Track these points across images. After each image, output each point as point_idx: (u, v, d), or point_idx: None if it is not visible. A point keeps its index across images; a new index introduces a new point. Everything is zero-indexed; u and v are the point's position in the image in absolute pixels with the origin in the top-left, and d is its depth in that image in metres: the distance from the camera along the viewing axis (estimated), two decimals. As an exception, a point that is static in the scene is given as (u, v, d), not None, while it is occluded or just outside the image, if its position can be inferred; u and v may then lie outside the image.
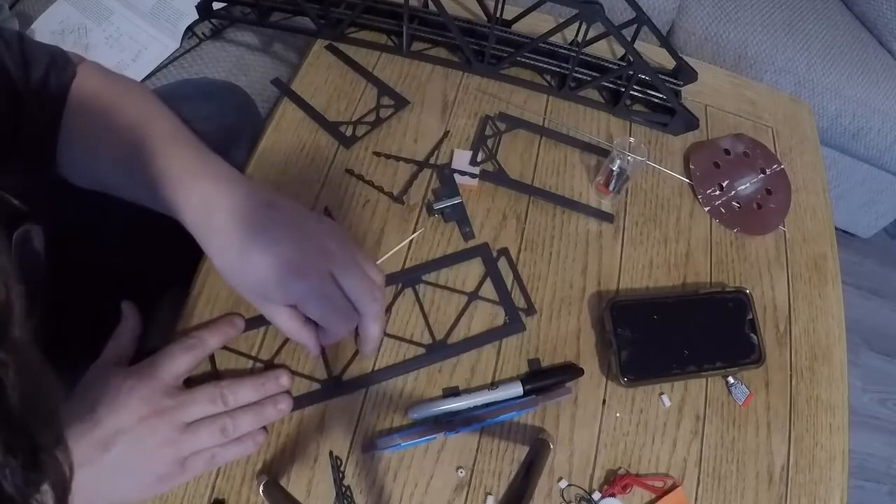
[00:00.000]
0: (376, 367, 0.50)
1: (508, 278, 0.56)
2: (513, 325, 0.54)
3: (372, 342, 0.46)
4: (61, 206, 0.52)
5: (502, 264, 0.57)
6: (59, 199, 0.51)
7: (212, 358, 0.49)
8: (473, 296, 0.55)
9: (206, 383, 0.45)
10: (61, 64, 0.47)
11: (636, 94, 0.67)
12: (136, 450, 0.41)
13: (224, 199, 0.42)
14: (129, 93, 0.49)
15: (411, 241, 0.56)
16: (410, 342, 0.52)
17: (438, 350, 0.51)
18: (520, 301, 0.55)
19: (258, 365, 0.49)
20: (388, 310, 0.53)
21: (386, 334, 0.52)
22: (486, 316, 0.54)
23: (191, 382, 0.46)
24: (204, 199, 0.42)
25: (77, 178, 0.49)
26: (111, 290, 0.62)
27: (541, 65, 0.67)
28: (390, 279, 0.54)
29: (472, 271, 0.56)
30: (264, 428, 0.46)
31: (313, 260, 0.42)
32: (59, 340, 0.57)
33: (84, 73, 0.48)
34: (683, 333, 0.53)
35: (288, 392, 0.48)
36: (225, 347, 0.50)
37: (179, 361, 0.44)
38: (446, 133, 0.64)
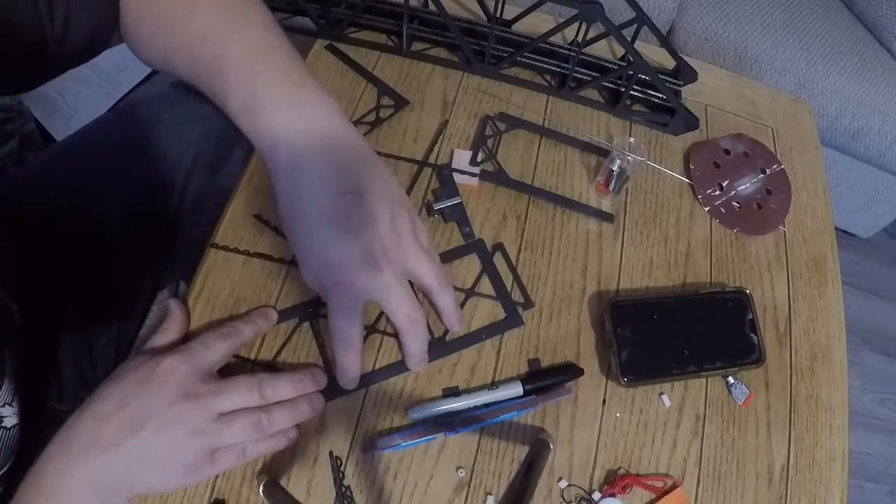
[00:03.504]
0: (376, 367, 0.50)
1: (507, 276, 0.56)
2: (511, 319, 0.54)
3: (457, 314, 0.48)
4: (57, 201, 0.52)
5: (499, 260, 0.57)
6: (57, 196, 0.51)
7: None
8: (471, 292, 0.55)
9: (243, 374, 0.44)
10: None
11: (636, 94, 0.67)
12: (165, 436, 0.39)
13: (321, 122, 0.42)
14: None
15: (411, 241, 0.56)
16: (410, 342, 0.52)
17: (437, 347, 0.51)
18: (517, 296, 0.55)
19: (258, 367, 0.49)
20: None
21: (385, 333, 0.52)
22: (484, 312, 0.54)
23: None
24: (291, 143, 0.42)
25: (149, 57, 0.48)
26: (109, 289, 0.62)
27: (541, 65, 0.67)
28: None
29: (468, 268, 0.56)
30: (297, 426, 0.46)
31: (395, 255, 0.43)
32: (55, 339, 0.57)
33: None
34: (683, 333, 0.53)
35: (322, 391, 0.48)
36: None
37: (215, 349, 0.44)
38: (445, 122, 0.64)
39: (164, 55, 0.46)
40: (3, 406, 0.45)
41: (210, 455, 0.41)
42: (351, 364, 0.46)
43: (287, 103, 0.43)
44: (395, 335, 0.52)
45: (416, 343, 0.46)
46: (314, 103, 0.44)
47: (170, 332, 0.45)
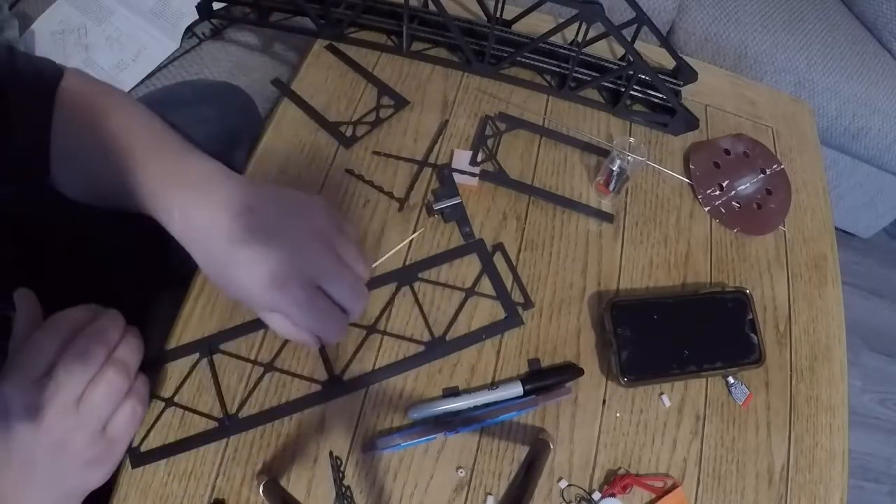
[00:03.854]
0: (376, 367, 0.50)
1: (507, 276, 0.56)
2: (511, 319, 0.54)
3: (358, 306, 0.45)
4: (56, 203, 0.52)
5: (499, 260, 0.57)
6: (56, 196, 0.51)
7: (211, 362, 0.49)
8: (471, 292, 0.55)
9: (62, 357, 0.41)
10: (48, 72, 0.48)
11: (636, 94, 0.67)
12: (49, 451, 0.39)
13: (202, 211, 0.42)
14: (111, 98, 0.48)
15: (411, 241, 0.57)
16: (410, 340, 0.52)
17: (437, 347, 0.51)
18: (517, 296, 0.55)
19: (258, 367, 0.50)
20: (386, 309, 0.53)
21: (385, 333, 0.52)
22: (484, 312, 0.54)
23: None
24: (183, 211, 0.42)
25: (69, 187, 0.49)
26: (108, 287, 0.62)
27: (541, 65, 0.67)
28: (387, 278, 0.54)
29: (469, 268, 0.56)
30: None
31: (295, 269, 0.41)
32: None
33: (70, 78, 0.48)
34: (683, 333, 0.53)
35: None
36: (224, 351, 0.50)
37: (46, 351, 0.41)
38: (445, 122, 0.64)
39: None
40: None
41: (101, 436, 0.41)
42: (335, 335, 0.44)
43: (181, 182, 0.44)
44: (395, 335, 0.52)
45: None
46: (203, 176, 0.44)
47: (21, 327, 0.43)
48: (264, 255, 0.40)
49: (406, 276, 0.55)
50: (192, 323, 0.51)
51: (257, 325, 0.51)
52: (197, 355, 0.50)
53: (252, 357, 0.50)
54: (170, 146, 0.46)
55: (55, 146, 0.47)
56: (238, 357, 0.50)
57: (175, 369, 0.49)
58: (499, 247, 0.57)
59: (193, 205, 0.42)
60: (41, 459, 0.39)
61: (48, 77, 0.48)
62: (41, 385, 0.39)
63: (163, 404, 0.48)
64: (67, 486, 0.41)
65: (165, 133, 0.47)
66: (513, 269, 0.56)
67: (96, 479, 0.42)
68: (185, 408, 0.48)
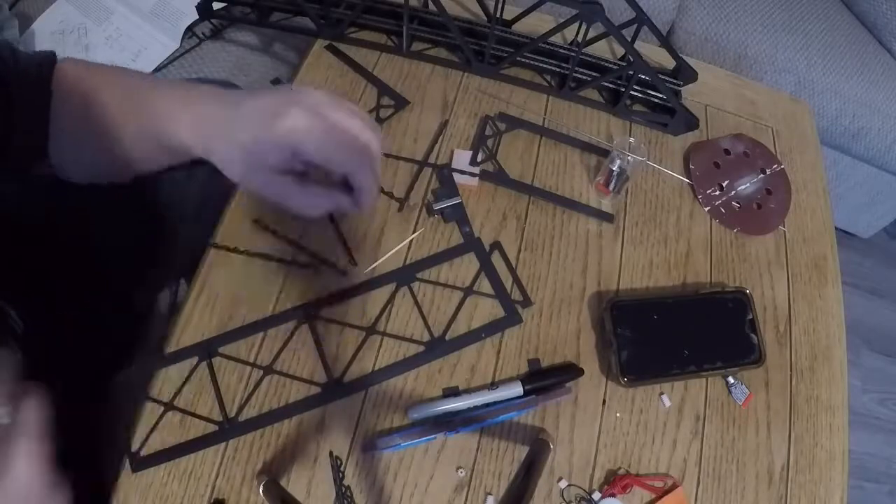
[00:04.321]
0: (376, 368, 0.50)
1: (506, 276, 0.56)
2: (510, 317, 0.54)
3: (376, 180, 0.43)
4: (56, 202, 0.52)
5: (497, 259, 0.57)
6: (57, 195, 0.51)
7: (210, 366, 0.49)
8: (469, 291, 0.55)
9: None
10: (45, 60, 0.48)
11: (636, 94, 0.67)
12: None
13: (210, 99, 0.43)
14: (107, 71, 0.49)
15: (411, 241, 0.56)
16: (409, 340, 0.52)
17: (437, 346, 0.51)
18: (516, 295, 0.55)
19: (257, 370, 0.49)
20: (386, 309, 0.53)
21: (385, 334, 0.52)
22: (483, 310, 0.54)
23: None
24: (192, 106, 0.43)
25: (72, 166, 0.49)
26: (109, 288, 0.62)
27: (541, 65, 0.67)
28: (386, 278, 0.54)
29: (467, 267, 0.56)
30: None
31: (297, 98, 0.41)
32: (54, 339, 0.57)
33: (65, 61, 0.48)
34: (683, 333, 0.53)
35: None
36: (223, 354, 0.50)
37: None
38: (445, 122, 0.64)
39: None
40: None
41: None
42: (333, 206, 0.43)
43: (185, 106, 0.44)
44: (395, 336, 0.52)
45: (363, 171, 0.42)
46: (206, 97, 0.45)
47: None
48: (266, 96, 0.41)
49: (405, 276, 0.55)
50: (192, 323, 0.50)
51: (257, 327, 0.51)
52: (196, 359, 0.49)
53: (251, 360, 0.50)
54: (170, 85, 0.46)
55: (55, 125, 0.47)
56: (237, 360, 0.50)
57: (174, 373, 0.49)
58: (496, 246, 0.57)
59: (202, 99, 0.43)
60: None
61: (45, 63, 0.48)
62: None
63: (162, 408, 0.48)
64: None
65: (163, 80, 0.47)
66: (511, 267, 0.56)
67: None
68: (185, 411, 0.48)
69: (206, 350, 0.50)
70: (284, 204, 0.42)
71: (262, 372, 0.49)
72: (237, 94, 0.43)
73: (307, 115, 0.40)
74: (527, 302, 0.55)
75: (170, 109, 0.44)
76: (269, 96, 0.41)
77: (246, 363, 0.50)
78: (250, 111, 0.41)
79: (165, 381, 0.49)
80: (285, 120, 0.39)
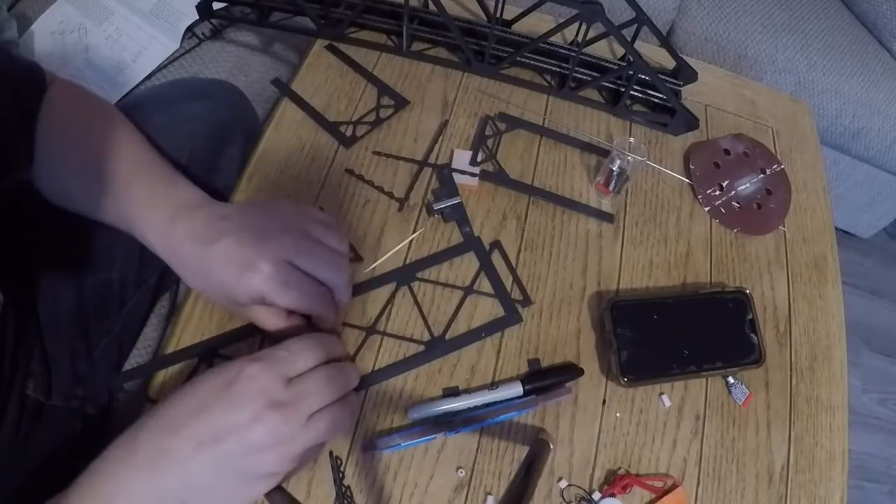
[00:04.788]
0: (376, 367, 0.50)
1: (507, 276, 0.56)
2: (510, 316, 0.54)
3: (342, 310, 0.47)
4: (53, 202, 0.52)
5: (496, 258, 0.57)
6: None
7: (211, 365, 0.49)
8: (469, 290, 0.55)
9: (318, 366, 0.40)
10: (38, 76, 0.49)
11: (636, 94, 0.67)
12: (247, 452, 0.36)
13: (182, 225, 0.44)
14: (97, 112, 0.50)
15: (411, 241, 0.56)
16: (409, 340, 0.52)
17: (437, 346, 0.51)
18: (516, 294, 0.55)
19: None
20: (386, 309, 0.53)
21: (385, 334, 0.52)
22: (483, 310, 0.54)
23: None
24: (165, 230, 0.44)
25: (51, 192, 0.50)
26: (109, 288, 0.62)
27: (541, 65, 0.67)
28: (386, 278, 0.54)
29: (467, 267, 0.56)
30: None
31: (263, 250, 0.42)
32: (50, 329, 0.57)
33: (58, 84, 0.49)
34: (683, 333, 0.53)
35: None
36: (224, 356, 0.50)
37: (302, 358, 0.40)
38: (445, 122, 0.64)
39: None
40: None
41: (295, 460, 0.38)
42: (321, 308, 0.45)
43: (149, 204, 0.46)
44: (395, 335, 0.52)
45: (326, 312, 0.45)
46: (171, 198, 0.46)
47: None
48: (234, 245, 0.42)
49: (405, 275, 0.55)
50: (192, 324, 0.50)
51: (257, 327, 0.51)
52: (196, 360, 0.49)
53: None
54: (153, 173, 0.47)
55: (39, 144, 0.48)
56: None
57: (174, 374, 0.49)
58: (496, 245, 0.57)
59: (174, 222, 0.44)
60: (234, 449, 0.36)
61: (38, 75, 0.49)
62: (289, 384, 0.38)
63: None
64: (228, 488, 0.37)
65: (151, 157, 0.48)
66: (511, 266, 0.56)
67: (238, 500, 0.38)
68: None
69: (207, 351, 0.50)
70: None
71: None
72: (216, 219, 0.44)
73: (274, 269, 0.42)
74: (527, 301, 0.55)
75: (143, 212, 0.45)
76: (238, 248, 0.42)
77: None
78: (221, 258, 0.42)
79: (165, 382, 0.49)
80: (253, 275, 0.42)
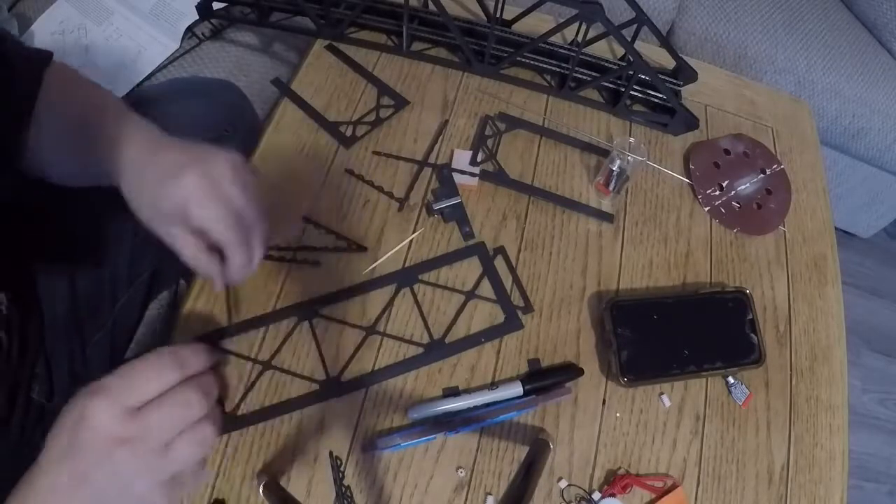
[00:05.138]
0: (375, 367, 0.50)
1: (507, 278, 0.56)
2: (510, 322, 0.54)
3: (250, 258, 0.45)
4: (54, 199, 0.52)
5: (499, 263, 0.57)
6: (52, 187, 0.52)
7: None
8: (471, 295, 0.55)
9: (156, 399, 0.38)
10: (38, 54, 0.49)
11: (636, 94, 0.67)
12: (119, 488, 0.36)
13: (134, 156, 0.44)
14: (93, 88, 0.50)
15: (411, 241, 0.56)
16: (409, 342, 0.52)
17: (437, 349, 0.51)
18: (517, 299, 0.55)
19: (257, 366, 0.50)
20: (386, 310, 0.53)
21: (384, 334, 0.52)
22: (484, 314, 0.54)
23: None
24: (123, 163, 0.45)
25: (48, 165, 0.50)
26: (103, 288, 0.62)
27: (541, 65, 0.67)
28: (387, 279, 0.54)
29: (469, 270, 0.56)
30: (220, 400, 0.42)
31: (197, 160, 0.43)
32: (45, 332, 0.57)
33: (58, 65, 0.49)
34: (683, 333, 0.53)
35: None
36: (223, 349, 0.50)
37: (148, 384, 0.38)
38: (445, 122, 0.64)
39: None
40: None
41: (166, 485, 0.37)
42: (206, 267, 0.44)
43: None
44: (395, 337, 0.52)
45: (235, 248, 0.44)
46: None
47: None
48: (178, 154, 0.43)
49: (407, 277, 0.55)
50: (193, 323, 0.50)
51: (257, 323, 0.51)
52: None
53: (253, 356, 0.50)
54: (136, 125, 0.47)
55: (37, 123, 0.48)
56: (237, 355, 0.50)
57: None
58: (500, 250, 0.57)
59: (133, 150, 0.45)
60: (108, 491, 0.36)
61: (39, 57, 0.49)
62: (134, 416, 0.36)
63: None
64: None
65: (135, 119, 0.48)
66: (514, 272, 0.56)
67: None
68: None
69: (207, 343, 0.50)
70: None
71: (260, 367, 0.49)
72: (162, 145, 0.45)
73: (199, 181, 0.42)
74: (528, 308, 0.55)
75: (111, 147, 0.45)
76: (176, 153, 0.43)
77: (245, 358, 0.50)
78: (157, 167, 0.43)
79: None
80: (178, 182, 0.42)
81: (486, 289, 0.55)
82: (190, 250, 0.43)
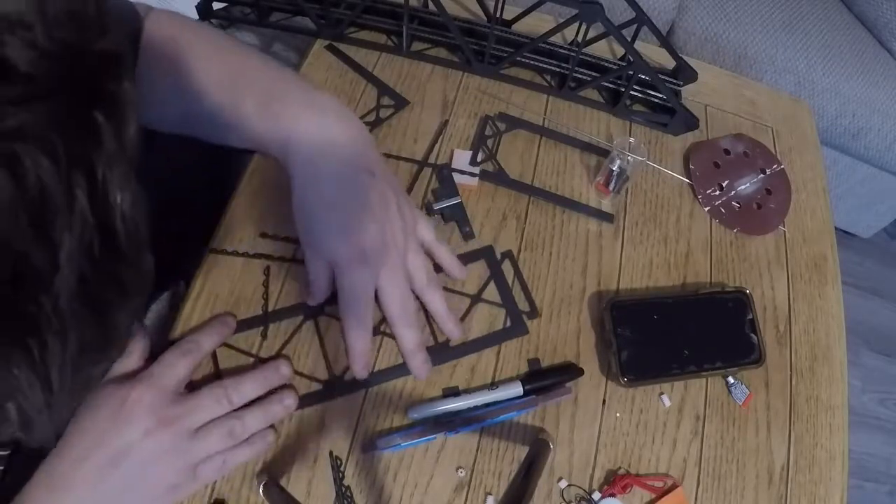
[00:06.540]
0: (377, 369, 0.50)
1: (514, 285, 0.56)
2: (515, 328, 0.53)
3: (451, 319, 0.50)
4: None
5: (506, 267, 0.56)
6: None
7: (214, 357, 0.49)
8: (476, 298, 0.54)
9: (208, 385, 0.45)
10: (128, 16, 0.47)
11: (636, 94, 0.67)
12: (145, 463, 0.40)
13: (329, 150, 0.45)
14: (198, 37, 0.49)
15: (411, 241, 0.56)
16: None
17: (440, 352, 0.51)
18: (522, 303, 0.55)
19: (261, 363, 0.49)
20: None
21: (387, 334, 0.52)
22: (488, 318, 0.54)
23: (193, 385, 0.46)
24: (309, 136, 0.45)
25: (157, 123, 0.49)
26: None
27: (541, 65, 0.67)
28: None
29: (475, 274, 0.56)
30: (273, 427, 0.46)
31: (382, 252, 0.44)
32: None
33: (152, 21, 0.48)
34: (683, 333, 0.53)
35: (292, 385, 0.48)
36: (227, 345, 0.50)
37: (179, 367, 0.44)
38: (445, 122, 0.64)
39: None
40: None
41: (192, 471, 0.42)
42: (363, 348, 0.46)
43: (303, 100, 0.46)
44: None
45: (408, 332, 0.47)
46: (327, 102, 0.47)
47: (133, 357, 0.45)
48: (363, 227, 0.44)
49: None
50: (192, 324, 0.50)
51: (260, 321, 0.51)
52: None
53: (256, 352, 0.50)
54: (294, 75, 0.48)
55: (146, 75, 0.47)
56: (240, 351, 0.50)
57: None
58: (508, 254, 0.57)
59: (322, 132, 0.45)
60: (133, 467, 0.40)
61: (129, 21, 0.47)
62: (174, 399, 0.42)
63: None
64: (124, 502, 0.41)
65: (261, 62, 0.49)
66: (520, 276, 0.56)
67: None
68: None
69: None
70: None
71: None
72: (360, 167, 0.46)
73: (392, 274, 0.45)
74: (533, 313, 0.55)
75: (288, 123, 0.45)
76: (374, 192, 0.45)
77: (248, 354, 0.50)
78: (354, 202, 0.44)
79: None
80: (383, 260, 0.45)
81: (490, 292, 0.55)
82: (321, 283, 0.47)
